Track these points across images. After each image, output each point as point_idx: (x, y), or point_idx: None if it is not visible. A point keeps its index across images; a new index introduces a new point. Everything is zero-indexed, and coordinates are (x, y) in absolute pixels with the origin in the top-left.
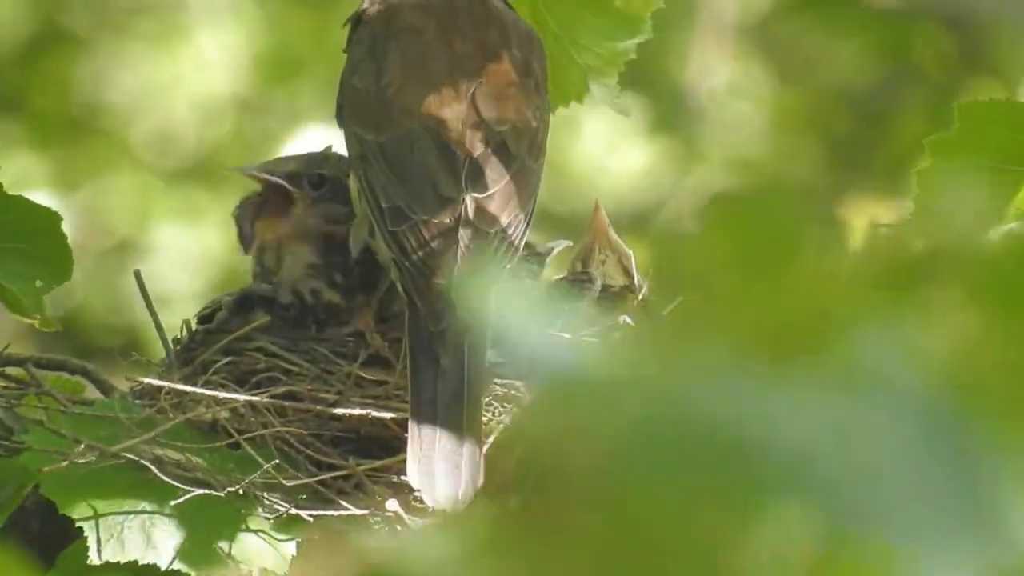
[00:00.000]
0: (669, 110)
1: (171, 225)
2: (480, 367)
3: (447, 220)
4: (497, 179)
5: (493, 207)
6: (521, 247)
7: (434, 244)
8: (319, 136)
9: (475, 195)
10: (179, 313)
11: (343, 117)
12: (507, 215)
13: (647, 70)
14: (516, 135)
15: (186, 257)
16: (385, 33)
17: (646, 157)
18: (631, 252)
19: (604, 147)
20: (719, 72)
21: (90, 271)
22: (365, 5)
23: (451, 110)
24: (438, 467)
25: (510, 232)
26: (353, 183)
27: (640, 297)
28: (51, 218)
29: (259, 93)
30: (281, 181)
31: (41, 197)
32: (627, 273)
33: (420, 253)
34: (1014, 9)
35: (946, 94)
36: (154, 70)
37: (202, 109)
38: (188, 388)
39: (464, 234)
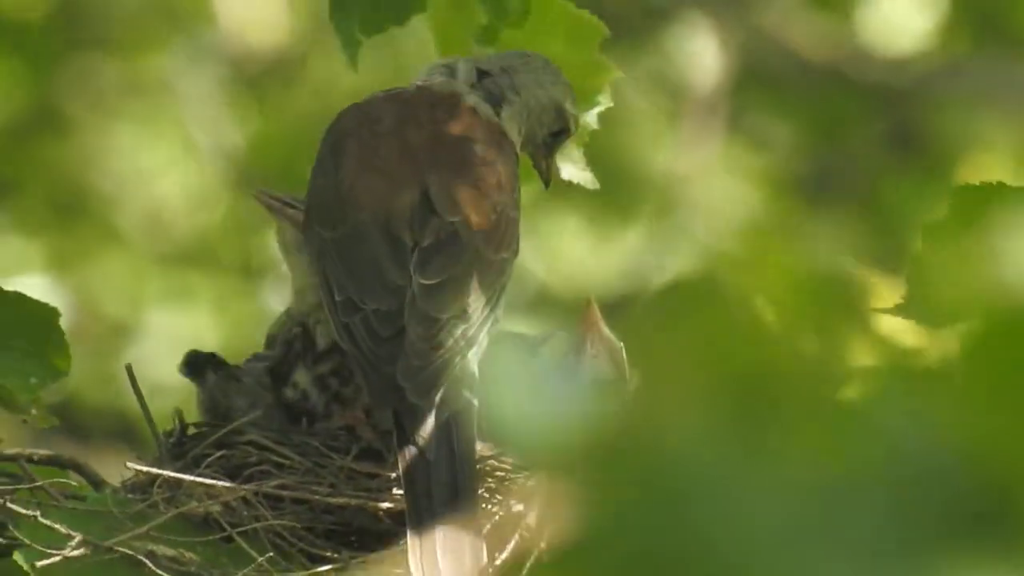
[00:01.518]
0: (652, 196)
1: (163, 309)
2: (470, 452)
3: (393, 307)
4: (447, 267)
5: (443, 294)
6: (481, 333)
7: (382, 333)
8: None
9: (423, 282)
10: (172, 398)
11: (307, 218)
12: (461, 302)
13: (625, 154)
14: (471, 227)
15: (178, 341)
16: (348, 127)
17: (633, 241)
18: (622, 346)
19: (593, 233)
20: (700, 153)
21: (83, 355)
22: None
23: (401, 200)
24: (440, 555)
25: (466, 319)
26: (316, 282)
27: (631, 389)
28: (48, 314)
29: (250, 175)
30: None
31: (34, 281)
32: (618, 367)
33: (369, 342)
34: (950, 86)
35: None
36: (144, 153)
37: (192, 192)
38: (186, 477)
39: (411, 321)
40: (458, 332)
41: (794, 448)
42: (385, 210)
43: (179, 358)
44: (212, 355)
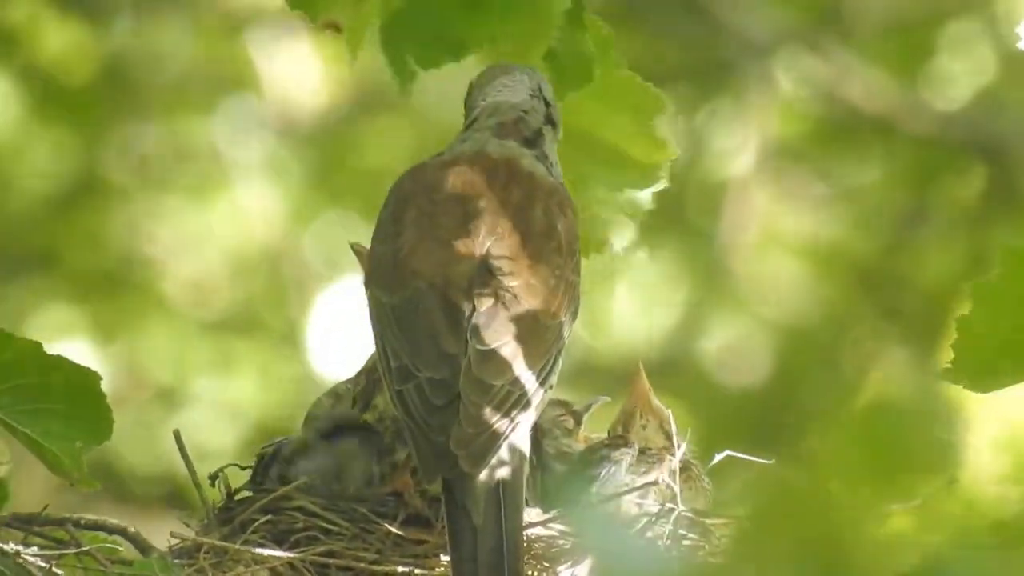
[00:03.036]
0: (701, 264)
1: (207, 375)
2: (517, 520)
3: (448, 375)
4: (503, 333)
5: (498, 360)
6: (535, 400)
7: (435, 401)
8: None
9: (479, 348)
10: (216, 463)
11: (368, 281)
12: (516, 369)
13: (678, 221)
14: (530, 292)
15: (222, 407)
16: (408, 193)
17: (679, 309)
18: (670, 414)
19: (639, 301)
20: (749, 223)
21: (128, 422)
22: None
23: (460, 266)
24: None
25: (520, 385)
26: (376, 348)
27: (678, 458)
28: (90, 378)
29: (293, 244)
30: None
31: (79, 348)
32: (667, 435)
33: (421, 411)
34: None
35: (978, 225)
36: (189, 222)
37: (236, 260)
38: (230, 546)
39: (466, 388)
40: (512, 399)
41: None
42: (443, 277)
43: (224, 424)
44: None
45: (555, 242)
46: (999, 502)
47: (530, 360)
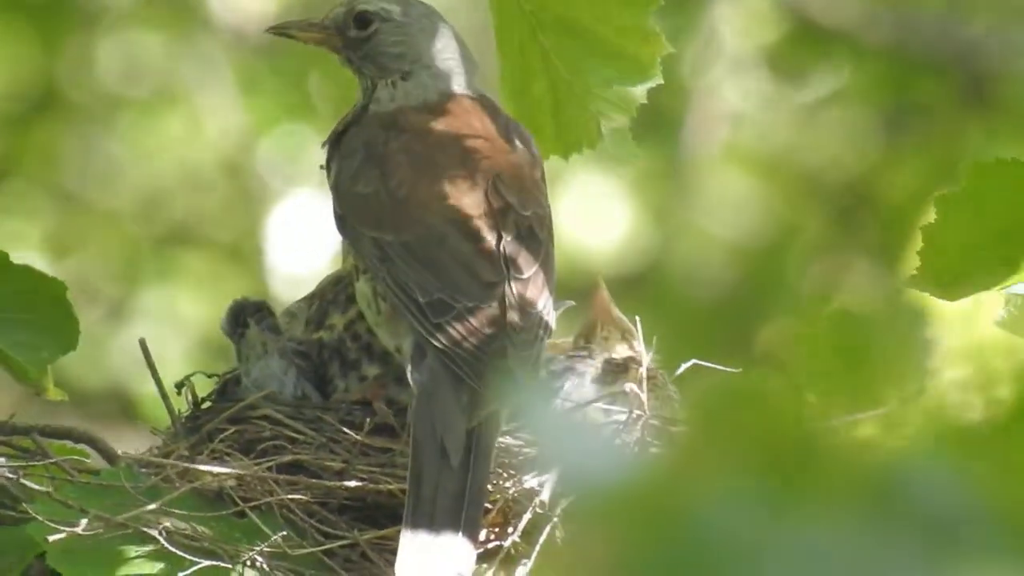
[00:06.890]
0: (663, 169)
1: (156, 291)
2: (486, 468)
3: (493, 304)
4: (531, 263)
5: (531, 290)
6: (551, 328)
7: (486, 329)
8: (310, 202)
9: (517, 276)
10: (168, 377)
11: (348, 224)
12: (543, 298)
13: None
14: (539, 221)
15: (171, 322)
16: (384, 138)
17: (636, 218)
18: (638, 320)
19: (592, 208)
20: (714, 134)
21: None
22: (349, 119)
23: (472, 200)
24: (429, 562)
25: (546, 314)
26: (366, 286)
27: (643, 367)
28: (56, 287)
29: (247, 158)
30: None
31: (32, 262)
32: (630, 346)
33: (472, 339)
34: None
35: (948, 137)
36: (143, 137)
37: (190, 175)
38: (198, 466)
39: (512, 316)
40: (543, 326)
41: (822, 511)
42: (458, 211)
43: (173, 337)
44: (260, 303)
45: (539, 170)
46: (963, 408)
47: (550, 288)
